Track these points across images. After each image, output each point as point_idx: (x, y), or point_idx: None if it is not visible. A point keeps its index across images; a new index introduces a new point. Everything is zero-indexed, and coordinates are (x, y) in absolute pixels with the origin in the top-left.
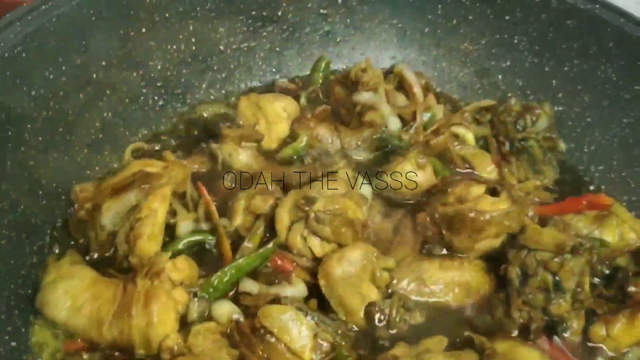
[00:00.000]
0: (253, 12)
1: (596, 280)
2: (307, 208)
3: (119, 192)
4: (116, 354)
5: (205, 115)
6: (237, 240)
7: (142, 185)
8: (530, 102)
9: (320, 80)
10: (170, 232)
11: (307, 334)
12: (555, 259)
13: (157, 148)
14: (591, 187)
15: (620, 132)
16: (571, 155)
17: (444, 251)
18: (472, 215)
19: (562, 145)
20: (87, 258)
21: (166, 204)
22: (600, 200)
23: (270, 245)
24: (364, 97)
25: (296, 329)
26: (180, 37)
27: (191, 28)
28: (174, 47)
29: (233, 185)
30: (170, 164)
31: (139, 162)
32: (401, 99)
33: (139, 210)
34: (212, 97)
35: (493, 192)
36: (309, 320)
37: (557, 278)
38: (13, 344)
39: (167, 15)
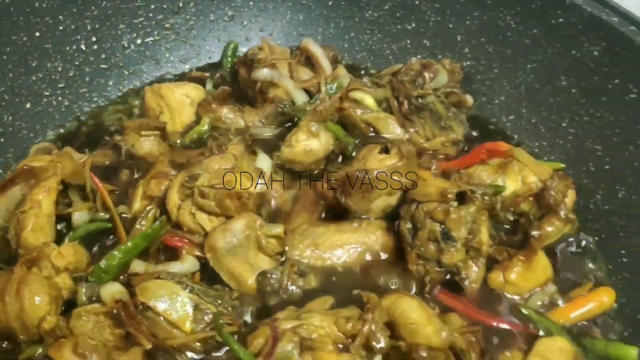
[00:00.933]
0: (152, 6)
1: (504, 227)
2: (190, 185)
3: (6, 189)
4: (4, 344)
5: (111, 110)
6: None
7: (29, 179)
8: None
9: (230, 65)
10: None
11: (187, 306)
12: (439, 208)
13: (61, 146)
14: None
15: (526, 79)
16: (483, 109)
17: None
18: (359, 174)
19: (470, 100)
20: None
21: (51, 195)
22: (498, 146)
23: (156, 224)
24: (262, 73)
25: (174, 301)
26: (79, 37)
27: (89, 27)
28: (74, 47)
29: (135, 176)
30: (57, 157)
31: (27, 159)
32: (306, 72)
33: (23, 203)
34: (120, 92)
35: (386, 150)
36: (187, 292)
37: (444, 227)
38: None
39: (60, 17)
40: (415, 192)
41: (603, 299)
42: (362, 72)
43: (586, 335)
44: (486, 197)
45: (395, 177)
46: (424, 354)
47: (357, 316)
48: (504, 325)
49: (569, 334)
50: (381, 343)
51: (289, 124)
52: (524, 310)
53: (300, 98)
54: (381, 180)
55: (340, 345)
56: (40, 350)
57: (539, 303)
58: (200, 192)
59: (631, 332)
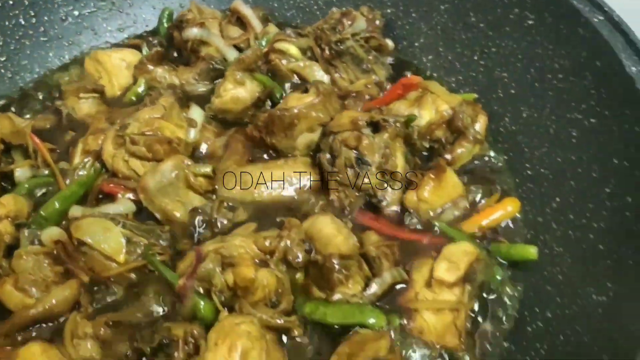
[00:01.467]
0: None
1: (422, 154)
2: (121, 133)
3: None
4: None
5: (55, 79)
6: None
7: None
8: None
9: (165, 31)
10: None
11: (119, 240)
12: (352, 135)
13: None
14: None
15: (441, 20)
16: (405, 52)
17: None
18: (278, 113)
19: (390, 44)
20: None
21: None
22: (411, 80)
23: (91, 172)
24: (191, 32)
25: (107, 236)
26: (17, 12)
27: (26, 3)
28: (13, 22)
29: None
30: None
31: None
32: (237, 31)
33: None
34: (60, 63)
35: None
36: (120, 228)
37: (358, 153)
38: None
39: None
40: (331, 124)
41: (508, 208)
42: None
43: (493, 241)
44: (398, 125)
45: (313, 113)
46: (336, 262)
47: (275, 235)
48: (417, 238)
49: (476, 240)
50: (298, 258)
51: (221, 79)
52: (435, 223)
53: (232, 54)
54: (301, 117)
55: (260, 262)
56: None
57: (451, 217)
58: (131, 139)
59: (532, 234)
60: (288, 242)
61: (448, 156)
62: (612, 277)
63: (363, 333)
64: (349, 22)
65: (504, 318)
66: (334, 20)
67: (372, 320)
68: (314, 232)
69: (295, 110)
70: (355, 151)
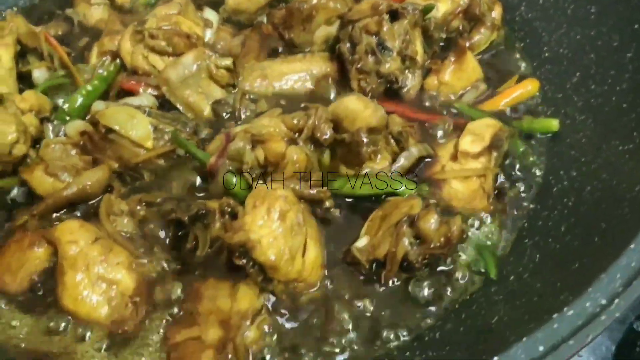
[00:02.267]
0: None
1: (439, 45)
2: (139, 28)
3: None
4: None
5: None
6: None
7: None
8: None
9: None
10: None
11: (146, 126)
12: (373, 20)
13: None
14: None
15: None
16: None
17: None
18: (297, 5)
19: None
20: None
21: (9, 50)
22: None
23: (112, 67)
24: None
25: (135, 122)
26: None
27: None
28: None
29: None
30: (9, 17)
31: None
32: None
33: None
34: None
35: None
36: (145, 116)
37: (379, 38)
38: None
39: None
40: (350, 12)
41: (528, 87)
42: None
43: (514, 119)
44: (416, 12)
45: (331, 4)
46: (365, 135)
47: (302, 115)
48: (439, 120)
49: (498, 118)
50: (326, 134)
51: None
52: (456, 105)
53: None
54: (319, 8)
55: (289, 139)
56: (15, 182)
57: (471, 100)
58: (149, 34)
59: (553, 110)
60: (316, 120)
61: (467, 43)
62: (638, 126)
63: (393, 199)
64: None
65: (528, 185)
66: None
67: (401, 188)
68: (340, 111)
69: (314, 2)
70: (376, 37)
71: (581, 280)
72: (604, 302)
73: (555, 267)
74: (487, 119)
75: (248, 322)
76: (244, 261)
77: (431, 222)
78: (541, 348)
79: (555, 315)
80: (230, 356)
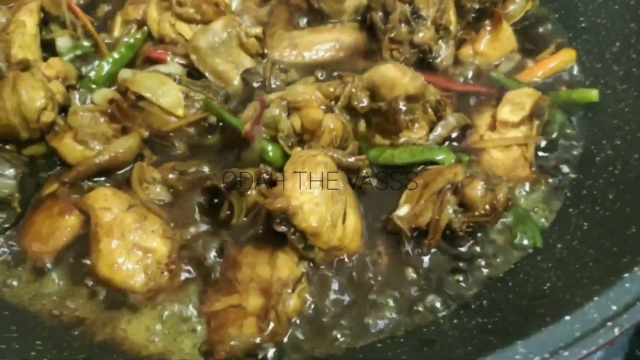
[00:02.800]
0: None
1: (471, 16)
2: None
3: None
4: (7, 147)
5: None
6: None
7: (9, 4)
8: None
9: None
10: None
11: (177, 94)
12: None
13: None
14: None
15: None
16: None
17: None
18: None
19: None
20: None
21: (34, 16)
22: None
23: (139, 35)
24: None
25: (165, 90)
26: None
27: None
28: None
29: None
30: None
31: None
32: None
33: (7, 26)
34: None
35: None
36: (175, 83)
37: (413, 7)
38: None
39: None
40: None
41: (564, 57)
42: None
43: (553, 89)
44: None
45: None
46: (403, 104)
47: (338, 83)
48: (474, 89)
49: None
50: (363, 102)
51: None
52: (493, 74)
53: None
54: None
55: (325, 107)
56: (43, 150)
57: (507, 70)
58: (177, 1)
59: (592, 80)
60: (352, 88)
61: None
62: None
63: (434, 167)
64: None
65: (569, 154)
66: None
67: (440, 157)
68: (377, 79)
69: None
70: (410, 5)
71: None
72: None
73: (607, 233)
74: (526, 88)
75: (289, 290)
76: (285, 228)
77: (477, 189)
78: (614, 307)
79: (626, 275)
80: (272, 324)
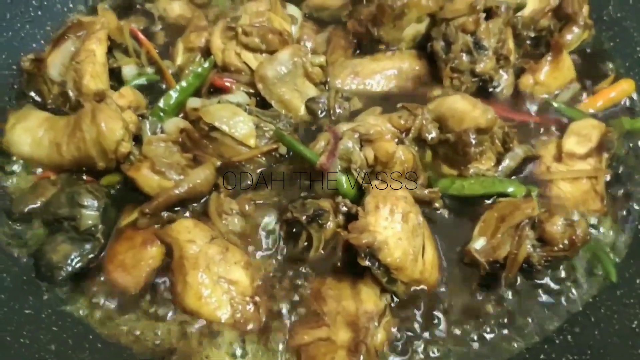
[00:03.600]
0: None
1: (527, 43)
2: (233, 25)
3: (59, 44)
4: (84, 177)
5: None
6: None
7: (78, 33)
8: None
9: None
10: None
11: (249, 124)
12: (470, 19)
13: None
14: None
15: None
16: None
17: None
18: (390, 2)
19: None
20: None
21: (103, 45)
22: None
23: (206, 64)
24: None
25: (237, 120)
26: None
27: None
28: None
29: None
30: (101, 12)
31: (73, 18)
32: None
33: (78, 54)
34: None
35: None
36: (246, 114)
37: (475, 37)
38: None
39: None
40: (444, 11)
41: (624, 87)
42: None
43: (612, 118)
44: (510, 11)
45: (424, 1)
46: (473, 136)
47: (407, 115)
48: (536, 120)
49: (596, 118)
50: (432, 133)
51: None
52: (554, 104)
53: None
54: (411, 6)
55: (396, 139)
56: (118, 178)
57: (566, 99)
58: (243, 31)
59: None
60: (424, 121)
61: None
62: None
63: (508, 200)
64: None
65: (637, 185)
66: None
67: (511, 189)
68: (445, 111)
69: (406, 0)
70: (472, 36)
71: None
72: None
73: None
74: (591, 120)
75: (376, 324)
76: (370, 263)
77: (558, 225)
78: None
79: None
80: (362, 358)
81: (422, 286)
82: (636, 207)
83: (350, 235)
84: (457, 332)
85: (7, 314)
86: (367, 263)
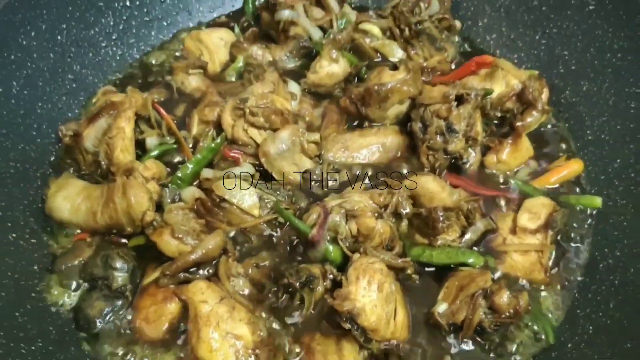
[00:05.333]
0: None
1: (494, 122)
2: (242, 106)
3: (94, 120)
4: (113, 237)
5: (157, 56)
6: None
7: (110, 112)
8: None
9: (251, 11)
10: (142, 147)
11: (253, 197)
12: (443, 107)
13: (120, 88)
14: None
15: (504, 2)
16: (470, 31)
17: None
18: (376, 88)
19: (458, 24)
20: (81, 177)
21: (131, 122)
22: (484, 59)
23: (218, 140)
24: (283, 14)
25: (243, 194)
26: None
27: None
28: (121, 4)
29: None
30: (130, 92)
31: (105, 96)
32: (318, 12)
33: (110, 130)
34: (161, 41)
35: (395, 68)
36: (252, 188)
37: (448, 122)
38: (33, 240)
39: None
40: (422, 97)
41: (574, 167)
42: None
43: (562, 194)
44: (479, 98)
45: (405, 87)
46: (441, 213)
47: (387, 192)
48: (498, 194)
49: (548, 194)
50: (407, 209)
51: (311, 55)
52: (512, 181)
53: (317, 34)
54: (394, 91)
55: (376, 214)
56: (142, 241)
57: (524, 176)
58: (250, 111)
59: (597, 189)
60: (400, 198)
61: (519, 123)
62: None
63: (467, 270)
64: (425, 5)
65: (577, 257)
66: (411, 3)
67: (471, 260)
68: (418, 189)
69: (390, 85)
70: (445, 121)
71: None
72: None
73: (608, 341)
74: (543, 198)
75: None
76: (349, 325)
77: (504, 298)
78: None
79: None
80: None
81: (393, 341)
82: (575, 277)
83: (335, 302)
84: None
85: None
86: (347, 326)
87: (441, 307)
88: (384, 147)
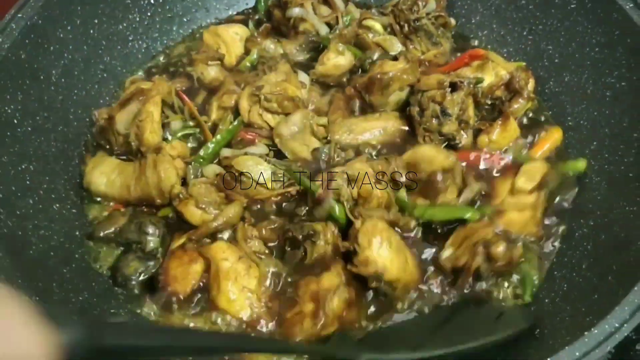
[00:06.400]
0: None
1: (485, 108)
2: (257, 93)
3: (125, 105)
4: (144, 208)
5: (178, 49)
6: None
7: (140, 97)
8: None
9: (264, 8)
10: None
11: (268, 172)
12: (438, 93)
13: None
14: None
15: (495, 2)
16: (463, 28)
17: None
18: (379, 76)
19: (453, 21)
20: (113, 155)
21: (158, 107)
22: (477, 52)
23: (235, 123)
24: (294, 12)
25: (259, 169)
26: None
27: None
28: (145, 2)
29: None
30: (157, 81)
31: (135, 84)
32: (325, 10)
33: (139, 114)
34: (182, 35)
35: (395, 59)
36: (267, 163)
37: (442, 106)
38: (74, 210)
39: None
40: (420, 84)
41: (555, 136)
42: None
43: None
44: (471, 85)
45: (404, 76)
46: (441, 176)
47: (384, 161)
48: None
49: None
50: (402, 177)
51: (319, 49)
52: (511, 151)
53: (324, 29)
54: (395, 79)
55: (374, 180)
56: (170, 213)
57: (513, 151)
58: (265, 98)
59: (575, 153)
60: (395, 167)
61: (508, 110)
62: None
63: (474, 224)
64: (423, 3)
65: (559, 224)
66: (410, 2)
67: (468, 215)
68: (418, 157)
69: (391, 74)
70: (439, 105)
71: (600, 308)
72: (617, 325)
73: (580, 296)
74: (538, 162)
75: (331, 294)
76: (378, 284)
77: (500, 248)
78: (577, 354)
79: (586, 333)
80: (322, 320)
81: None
82: (555, 245)
83: (359, 269)
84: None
85: (100, 313)
86: (375, 285)
87: (447, 252)
88: (385, 130)
